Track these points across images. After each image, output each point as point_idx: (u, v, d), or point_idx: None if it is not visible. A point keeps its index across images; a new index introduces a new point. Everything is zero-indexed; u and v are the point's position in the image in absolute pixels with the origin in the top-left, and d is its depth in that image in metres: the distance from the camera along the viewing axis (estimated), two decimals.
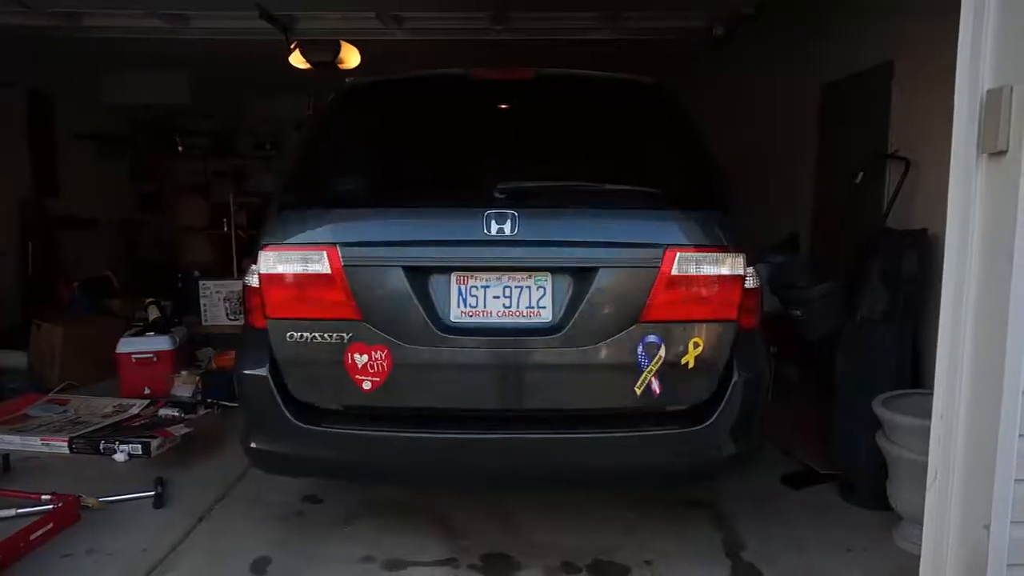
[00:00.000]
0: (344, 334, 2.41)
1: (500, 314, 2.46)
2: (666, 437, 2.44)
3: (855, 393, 3.11)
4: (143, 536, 2.84)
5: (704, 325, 2.41)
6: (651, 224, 2.47)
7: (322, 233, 2.46)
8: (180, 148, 9.28)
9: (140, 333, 4.95)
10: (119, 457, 3.50)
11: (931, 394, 2.03)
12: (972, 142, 1.89)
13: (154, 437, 3.57)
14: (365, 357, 2.41)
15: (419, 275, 2.43)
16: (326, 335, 2.43)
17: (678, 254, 2.38)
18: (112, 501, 3.08)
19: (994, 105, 1.83)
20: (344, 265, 2.40)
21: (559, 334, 2.41)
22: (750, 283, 2.48)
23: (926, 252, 3.14)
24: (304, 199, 2.58)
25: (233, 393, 2.77)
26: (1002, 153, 1.83)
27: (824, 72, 4.53)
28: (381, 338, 2.40)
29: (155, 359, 4.80)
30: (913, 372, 3.17)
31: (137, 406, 4.32)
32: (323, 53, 5.38)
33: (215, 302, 5.59)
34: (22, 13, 4.96)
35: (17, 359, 5.12)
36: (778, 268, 3.58)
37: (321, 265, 2.41)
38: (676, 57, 5.96)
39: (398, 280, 2.41)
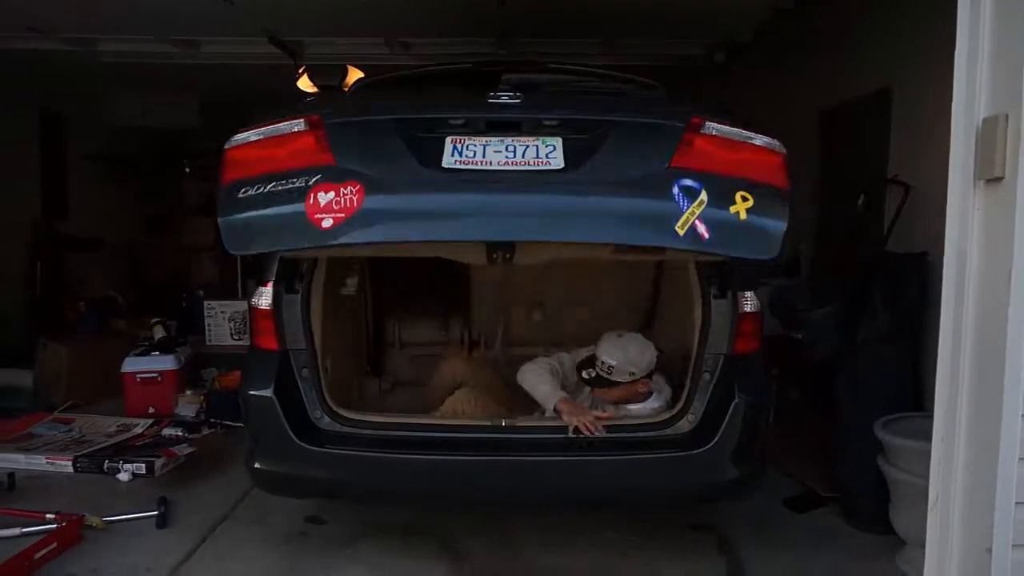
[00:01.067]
0: (309, 178, 2.11)
1: (502, 163, 2.17)
2: (668, 460, 2.45)
3: (856, 416, 3.12)
4: (146, 556, 2.84)
5: (749, 182, 2.15)
6: (674, 104, 2.36)
7: (303, 110, 2.26)
8: (188, 170, 9.36)
9: (145, 353, 4.97)
10: (123, 476, 3.50)
11: (931, 417, 2.05)
12: (969, 169, 1.93)
13: (158, 457, 3.58)
14: (331, 194, 2.08)
15: (409, 133, 2.18)
16: (288, 181, 2.10)
17: (707, 121, 2.18)
18: (115, 520, 3.08)
19: (990, 133, 1.87)
20: (324, 122, 2.17)
21: (574, 172, 2.14)
22: (750, 306, 2.50)
23: (926, 276, 3.15)
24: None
25: (237, 413, 2.79)
26: (998, 179, 1.86)
27: (824, 97, 4.58)
28: (355, 175, 2.10)
29: (159, 379, 4.80)
30: (914, 395, 3.17)
31: (141, 425, 4.33)
32: (331, 77, 5.45)
33: (220, 322, 5.64)
34: (35, 38, 5.06)
35: (23, 378, 5.12)
36: (779, 290, 3.60)
37: (298, 127, 2.17)
38: (676, 82, 6.02)
39: (386, 134, 2.17)
